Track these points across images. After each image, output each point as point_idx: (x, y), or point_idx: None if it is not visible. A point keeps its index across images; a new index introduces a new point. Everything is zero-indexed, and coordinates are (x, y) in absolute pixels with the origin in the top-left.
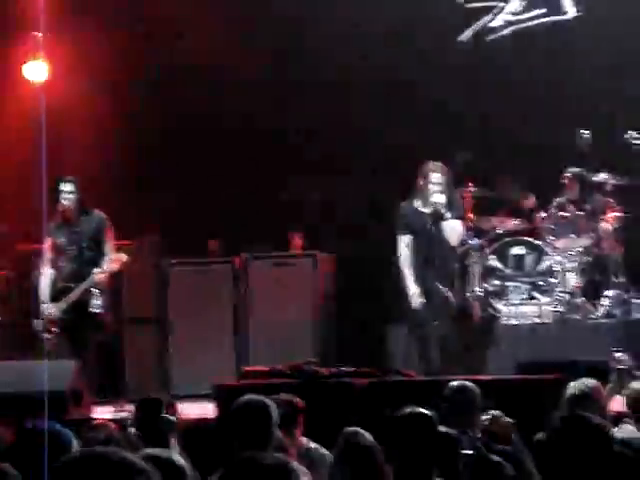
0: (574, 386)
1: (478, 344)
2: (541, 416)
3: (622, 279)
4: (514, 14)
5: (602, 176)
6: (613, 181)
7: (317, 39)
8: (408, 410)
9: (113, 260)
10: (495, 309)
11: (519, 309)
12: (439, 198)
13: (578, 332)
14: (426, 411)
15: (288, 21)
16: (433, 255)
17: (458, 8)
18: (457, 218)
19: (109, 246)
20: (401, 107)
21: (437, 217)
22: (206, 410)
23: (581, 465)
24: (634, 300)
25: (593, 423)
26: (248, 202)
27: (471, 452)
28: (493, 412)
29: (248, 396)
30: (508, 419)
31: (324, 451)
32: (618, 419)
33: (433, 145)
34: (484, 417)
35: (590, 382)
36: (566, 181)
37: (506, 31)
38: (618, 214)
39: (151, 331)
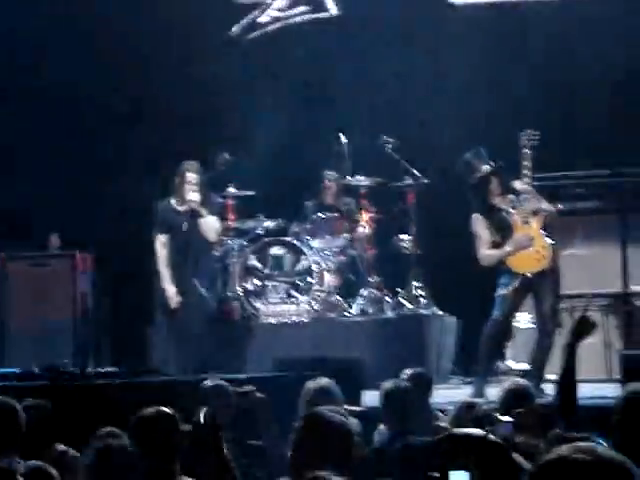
0: (311, 384)
1: (237, 343)
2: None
3: (375, 278)
4: (280, 10)
5: (357, 179)
6: (367, 183)
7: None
8: (151, 410)
9: None
10: (254, 308)
11: (277, 308)
12: (195, 196)
13: (333, 330)
14: (169, 410)
15: None
16: (191, 254)
17: (228, 4)
18: (213, 215)
19: None
20: (163, 105)
21: (193, 215)
22: None
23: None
24: (386, 299)
25: (333, 420)
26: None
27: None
28: (246, 388)
29: None
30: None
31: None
32: None
33: (194, 145)
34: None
35: (325, 380)
36: (323, 183)
37: (273, 27)
38: (372, 215)
39: None
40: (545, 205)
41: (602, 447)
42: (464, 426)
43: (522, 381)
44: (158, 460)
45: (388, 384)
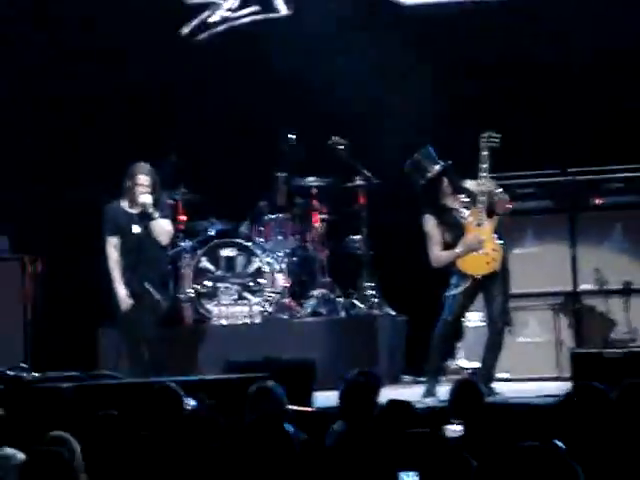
0: (254, 387)
1: (189, 345)
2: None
3: (327, 279)
4: (230, 10)
5: (308, 179)
6: (319, 184)
7: None
8: (101, 413)
9: None
10: (206, 310)
11: (230, 310)
12: (146, 198)
13: (286, 331)
14: (115, 412)
15: None
16: (142, 256)
17: (179, 4)
18: (165, 218)
19: None
20: (112, 108)
21: (145, 217)
22: None
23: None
24: (339, 299)
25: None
26: None
27: None
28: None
29: None
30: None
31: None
32: None
33: (145, 146)
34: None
35: (267, 383)
36: (274, 184)
37: (223, 27)
38: (323, 216)
39: None
40: (501, 193)
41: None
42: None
43: (471, 379)
44: (106, 461)
45: (349, 380)
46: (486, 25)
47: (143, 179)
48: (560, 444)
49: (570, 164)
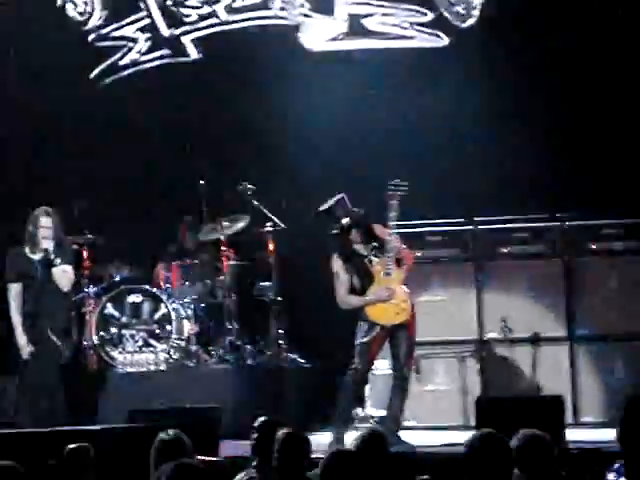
0: (161, 435)
1: (92, 394)
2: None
3: (235, 326)
4: (140, 53)
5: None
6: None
7: None
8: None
9: None
10: (111, 357)
11: (135, 357)
12: (48, 244)
13: (192, 379)
14: (9, 463)
15: None
16: (44, 303)
17: (89, 47)
18: (68, 264)
19: None
20: (20, 150)
21: (47, 263)
22: None
23: None
24: (246, 346)
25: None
26: None
27: None
28: None
29: None
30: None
31: None
32: None
33: (49, 190)
34: None
35: (173, 431)
36: (181, 229)
37: (132, 70)
38: (232, 262)
39: None
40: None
41: None
42: None
43: (377, 428)
44: None
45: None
46: (418, 69)
47: (45, 223)
48: None
49: (477, 213)
